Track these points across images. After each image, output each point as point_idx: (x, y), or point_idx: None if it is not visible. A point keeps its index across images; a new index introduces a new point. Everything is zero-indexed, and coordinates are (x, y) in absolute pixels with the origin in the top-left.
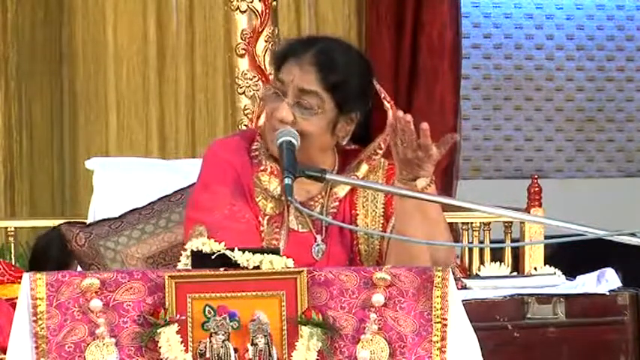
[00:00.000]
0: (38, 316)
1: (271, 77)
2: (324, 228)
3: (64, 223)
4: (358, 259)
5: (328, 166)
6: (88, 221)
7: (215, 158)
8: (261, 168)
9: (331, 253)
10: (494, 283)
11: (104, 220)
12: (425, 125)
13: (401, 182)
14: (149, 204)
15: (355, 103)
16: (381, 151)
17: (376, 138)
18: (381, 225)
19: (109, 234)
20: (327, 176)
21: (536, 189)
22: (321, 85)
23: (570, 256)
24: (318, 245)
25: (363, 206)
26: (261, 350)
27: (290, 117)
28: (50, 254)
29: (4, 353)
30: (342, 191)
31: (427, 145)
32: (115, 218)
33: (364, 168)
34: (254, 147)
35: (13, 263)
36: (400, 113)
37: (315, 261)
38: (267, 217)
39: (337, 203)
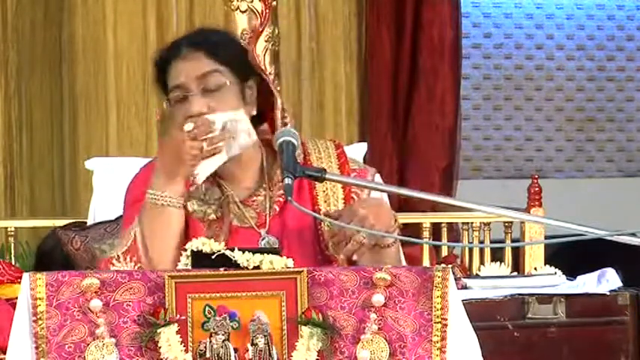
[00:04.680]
0: (38, 316)
1: (165, 102)
2: (267, 221)
3: (61, 226)
4: (327, 252)
5: (255, 155)
6: (88, 221)
7: (131, 197)
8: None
9: (287, 247)
10: (494, 283)
11: (100, 223)
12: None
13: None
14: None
15: (248, 67)
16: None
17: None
18: None
19: (104, 237)
20: (327, 176)
21: (536, 189)
22: (215, 63)
23: (570, 256)
24: (264, 239)
25: (325, 201)
26: (261, 350)
27: (204, 107)
28: (55, 257)
29: (4, 353)
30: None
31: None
32: (111, 221)
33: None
34: None
35: (13, 263)
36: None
37: None
38: (207, 222)
39: (281, 191)
